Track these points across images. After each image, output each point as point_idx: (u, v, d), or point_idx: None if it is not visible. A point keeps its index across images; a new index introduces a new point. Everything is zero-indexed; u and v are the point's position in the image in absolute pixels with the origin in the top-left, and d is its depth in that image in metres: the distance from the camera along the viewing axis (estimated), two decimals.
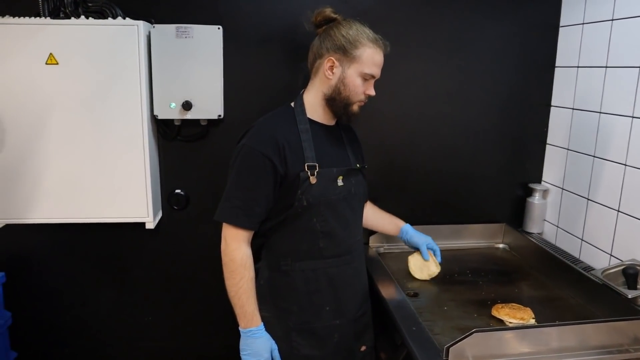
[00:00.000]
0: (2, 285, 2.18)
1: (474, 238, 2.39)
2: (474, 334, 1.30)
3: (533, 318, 1.64)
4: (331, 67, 1.64)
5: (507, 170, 2.41)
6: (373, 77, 1.67)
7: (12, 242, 2.24)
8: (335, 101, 1.66)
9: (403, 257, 2.07)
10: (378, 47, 1.65)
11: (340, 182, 1.69)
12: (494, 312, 1.68)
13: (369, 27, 1.68)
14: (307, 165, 1.62)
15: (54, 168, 1.98)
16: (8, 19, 1.88)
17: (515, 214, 2.45)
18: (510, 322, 1.62)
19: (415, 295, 1.86)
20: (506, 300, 1.76)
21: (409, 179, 2.34)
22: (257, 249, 1.71)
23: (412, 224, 2.06)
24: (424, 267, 1.99)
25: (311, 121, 1.70)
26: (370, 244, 2.26)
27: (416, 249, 2.02)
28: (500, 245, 2.38)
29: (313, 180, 1.62)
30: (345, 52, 1.62)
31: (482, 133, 2.34)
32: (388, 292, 1.82)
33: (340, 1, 2.12)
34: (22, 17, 1.89)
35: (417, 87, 2.25)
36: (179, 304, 2.39)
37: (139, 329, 2.40)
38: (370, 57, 1.63)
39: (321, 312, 1.72)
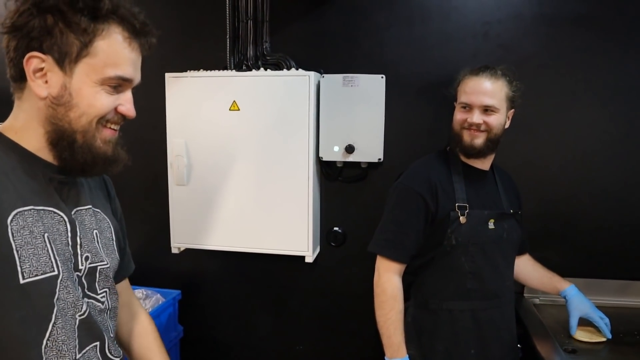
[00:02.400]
0: (178, 302, 2.46)
1: None
2: None
3: None
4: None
5: None
6: (471, 105, 1.70)
7: (190, 264, 2.52)
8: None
9: (560, 309, 1.98)
10: (471, 75, 1.73)
11: (491, 225, 1.71)
12: None
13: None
14: (458, 206, 1.68)
15: (229, 201, 2.20)
16: (202, 72, 2.17)
17: None
18: None
19: (574, 352, 1.76)
20: None
21: (572, 229, 2.23)
22: (406, 287, 1.77)
23: (574, 276, 1.96)
24: (591, 332, 1.86)
25: (465, 165, 1.76)
26: (525, 294, 2.18)
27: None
28: None
29: (463, 220, 1.67)
30: (456, 91, 1.78)
31: None
32: (543, 345, 1.75)
33: (502, 49, 2.14)
34: (213, 70, 2.18)
35: (582, 134, 2.16)
36: (329, 335, 2.49)
37: (290, 356, 2.54)
38: (462, 87, 1.76)
39: (466, 354, 1.73)
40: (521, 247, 1.92)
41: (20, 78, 0.94)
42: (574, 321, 1.83)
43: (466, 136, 1.72)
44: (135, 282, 2.38)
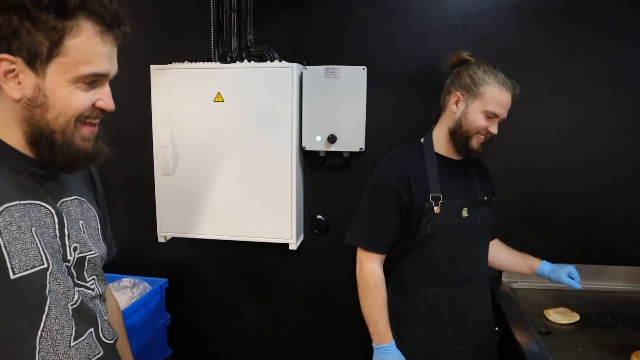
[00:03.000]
0: (165, 290, 2.50)
1: (617, 281, 2.25)
2: None
3: None
4: (456, 102, 1.75)
5: None
6: (496, 116, 1.73)
7: (176, 253, 2.56)
8: (456, 134, 1.76)
9: (536, 294, 2.06)
10: (504, 88, 1.71)
11: (464, 214, 1.77)
12: (634, 359, 1.62)
13: (502, 70, 1.76)
14: (432, 196, 1.73)
15: (214, 191, 2.24)
16: (187, 64, 2.20)
17: None
18: None
19: (548, 333, 1.83)
20: None
21: (548, 215, 2.30)
22: (385, 274, 1.83)
23: (550, 261, 2.03)
24: (564, 313, 1.95)
25: (438, 155, 1.81)
26: (502, 279, 2.26)
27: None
28: None
29: (437, 210, 1.72)
30: (470, 89, 1.72)
31: (632, 171, 2.22)
32: (518, 327, 1.82)
33: (480, 41, 2.19)
34: (197, 62, 2.21)
35: (559, 124, 2.22)
36: (314, 321, 2.55)
37: (275, 342, 2.60)
38: (494, 96, 1.70)
39: (444, 337, 1.79)
40: (494, 234, 2.00)
41: None
42: (565, 279, 1.89)
43: (475, 141, 1.76)
44: (123, 270, 2.44)
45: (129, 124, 2.39)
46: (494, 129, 1.76)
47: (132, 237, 2.52)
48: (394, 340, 1.76)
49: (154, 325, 2.40)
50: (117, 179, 2.48)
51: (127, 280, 2.40)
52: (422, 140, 1.87)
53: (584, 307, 1.94)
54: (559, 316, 1.92)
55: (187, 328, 2.65)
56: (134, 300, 2.28)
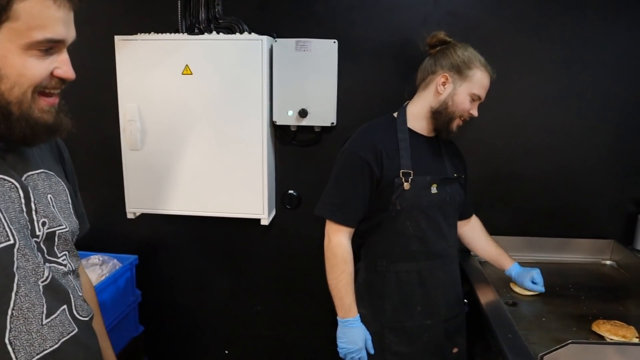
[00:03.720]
0: (135, 267, 2.47)
1: (580, 253, 2.33)
2: (570, 344, 1.33)
3: (637, 337, 1.60)
4: (444, 83, 1.73)
5: (619, 185, 2.32)
6: (479, 98, 1.75)
7: (145, 229, 2.54)
8: (440, 115, 1.76)
9: None
10: (487, 72, 1.75)
11: (434, 190, 1.78)
12: (595, 328, 1.66)
13: (473, 45, 1.78)
14: (402, 172, 1.73)
15: (183, 166, 2.21)
16: (153, 35, 2.14)
17: (626, 231, 2.36)
18: (611, 339, 1.60)
19: (514, 304, 1.88)
20: (609, 317, 1.73)
21: (514, 189, 2.34)
22: (357, 249, 1.84)
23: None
24: None
25: (411, 131, 1.81)
26: (472, 253, 2.29)
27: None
28: (608, 262, 2.32)
29: (407, 186, 1.72)
30: (460, 71, 1.72)
31: (594, 146, 2.28)
32: (486, 299, 1.86)
33: (451, 15, 2.18)
34: (164, 34, 2.15)
35: (527, 98, 2.25)
36: (286, 296, 2.57)
37: (248, 317, 2.61)
38: (480, 79, 1.73)
39: (413, 312, 1.82)
40: (466, 211, 2.02)
41: None
42: (529, 285, 1.94)
43: (455, 124, 1.78)
44: (92, 248, 2.40)
45: (94, 97, 2.32)
46: (474, 112, 1.78)
47: (101, 213, 2.48)
48: (358, 315, 1.78)
49: (125, 302, 2.38)
50: (83, 154, 2.41)
51: (96, 258, 2.36)
52: (394, 114, 1.86)
53: (548, 279, 1.97)
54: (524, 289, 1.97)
55: (158, 305, 2.64)
56: (103, 277, 2.25)
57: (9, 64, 0.86)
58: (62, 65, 0.93)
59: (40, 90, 0.92)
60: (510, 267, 2.00)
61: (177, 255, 2.58)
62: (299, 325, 2.59)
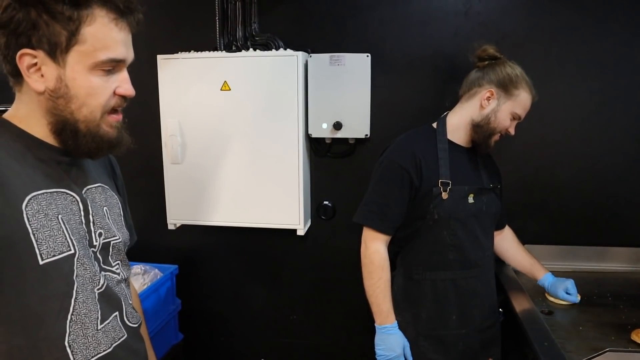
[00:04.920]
0: (175, 277, 2.55)
1: (617, 261, 2.29)
2: (608, 352, 1.32)
3: None
4: (489, 98, 1.76)
5: None
6: (520, 118, 1.79)
7: (185, 240, 2.61)
8: (481, 129, 1.78)
9: None
10: (532, 94, 1.77)
11: (471, 200, 1.79)
12: (634, 337, 1.64)
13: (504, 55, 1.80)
14: (441, 182, 1.75)
15: (222, 179, 2.28)
16: (193, 54, 2.23)
17: None
18: None
19: (550, 313, 1.87)
20: None
21: (549, 197, 2.32)
22: (393, 257, 1.86)
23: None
24: None
25: (450, 142, 1.83)
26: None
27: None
28: None
29: (445, 195, 1.75)
30: (506, 88, 1.74)
31: (632, 153, 2.25)
32: (521, 307, 1.85)
33: (482, 27, 2.21)
34: (203, 52, 2.24)
35: (561, 106, 2.24)
36: (321, 305, 2.60)
37: (284, 326, 2.66)
38: (524, 100, 1.76)
39: (448, 320, 1.83)
40: (500, 222, 2.02)
41: (17, 74, 0.96)
42: (562, 296, 1.92)
43: (494, 140, 1.82)
44: (134, 258, 2.46)
45: (137, 113, 2.39)
46: (512, 130, 1.81)
47: (143, 224, 2.52)
48: (396, 322, 1.80)
49: (166, 310, 2.45)
50: (127, 168, 2.46)
51: (138, 267, 2.45)
52: (433, 125, 1.89)
53: (584, 288, 1.96)
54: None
55: (197, 313, 2.71)
56: (145, 286, 2.33)
57: (77, 85, 0.96)
58: (123, 84, 1.02)
59: (107, 110, 1.01)
60: (543, 277, 1.99)
61: (216, 265, 2.65)
62: (334, 333, 2.62)
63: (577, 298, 1.91)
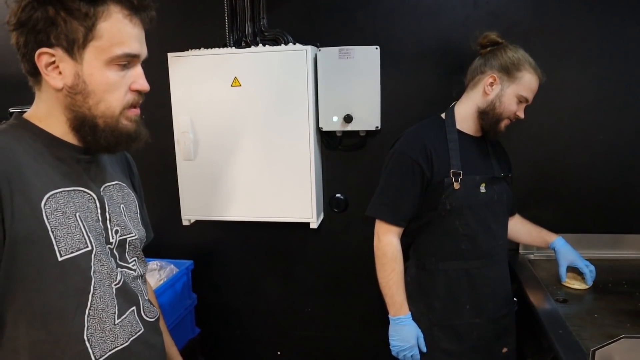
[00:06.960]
0: (191, 272, 2.58)
1: (633, 249, 2.27)
2: (623, 339, 1.32)
3: None
4: (492, 84, 1.76)
5: None
6: (527, 101, 1.77)
7: (200, 235, 2.64)
8: (487, 115, 1.78)
9: (552, 264, 2.08)
10: (537, 75, 1.76)
11: (482, 189, 1.80)
12: None
13: (514, 43, 1.79)
14: (452, 172, 1.76)
15: (235, 174, 2.30)
16: (203, 51, 2.25)
17: None
18: None
19: (565, 301, 1.86)
20: None
21: (563, 186, 2.31)
22: (406, 248, 1.88)
23: (567, 232, 2.05)
24: (580, 280, 1.97)
25: (459, 132, 1.84)
26: (520, 250, 2.29)
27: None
28: None
29: (457, 186, 1.75)
30: (509, 72, 1.74)
31: None
32: (536, 296, 1.86)
33: (491, 16, 2.20)
34: (213, 48, 2.25)
35: (573, 94, 2.23)
36: (335, 297, 2.62)
37: (299, 319, 2.68)
38: (529, 82, 1.74)
39: (461, 310, 1.84)
40: (511, 210, 2.02)
41: (35, 72, 0.99)
42: (562, 270, 1.95)
43: (503, 125, 1.81)
44: (150, 254, 2.50)
45: (149, 110, 2.42)
46: (521, 114, 1.80)
47: (158, 221, 2.55)
48: (410, 312, 1.82)
49: (182, 305, 2.49)
50: (141, 165, 2.48)
51: (154, 263, 2.48)
52: (442, 115, 1.89)
53: (600, 275, 1.95)
54: (575, 282, 1.96)
55: (213, 308, 2.74)
56: (161, 282, 2.36)
57: (95, 81, 0.99)
58: (138, 79, 1.05)
59: (127, 107, 1.04)
60: (555, 239, 1.99)
61: (230, 259, 2.67)
62: (349, 326, 2.64)
63: (581, 263, 1.93)
